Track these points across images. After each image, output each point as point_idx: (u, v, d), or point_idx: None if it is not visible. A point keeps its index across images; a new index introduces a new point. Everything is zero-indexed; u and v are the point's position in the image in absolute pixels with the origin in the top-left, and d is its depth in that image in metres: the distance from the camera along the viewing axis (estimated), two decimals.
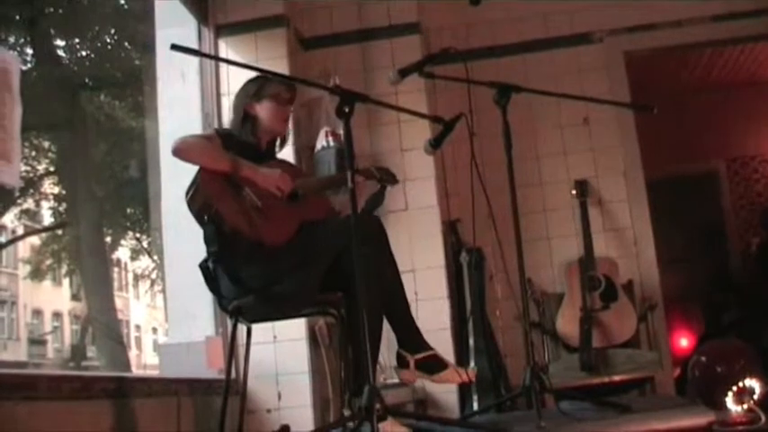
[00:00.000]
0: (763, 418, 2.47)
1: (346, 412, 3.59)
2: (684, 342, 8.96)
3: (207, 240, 3.61)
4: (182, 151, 3.64)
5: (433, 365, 3.69)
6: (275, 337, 5.08)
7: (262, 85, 3.94)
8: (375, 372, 3.56)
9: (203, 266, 3.67)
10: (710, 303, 9.51)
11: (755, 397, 2.60)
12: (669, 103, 7.31)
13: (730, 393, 2.63)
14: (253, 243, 3.54)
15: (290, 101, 4.01)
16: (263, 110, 3.91)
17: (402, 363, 3.71)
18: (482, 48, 6.32)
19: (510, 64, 6.32)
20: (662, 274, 6.28)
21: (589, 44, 6.53)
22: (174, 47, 3.12)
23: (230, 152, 3.70)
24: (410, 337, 3.73)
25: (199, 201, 3.59)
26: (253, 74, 3.99)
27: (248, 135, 3.89)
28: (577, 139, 6.38)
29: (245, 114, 3.91)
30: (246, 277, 3.59)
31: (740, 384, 2.63)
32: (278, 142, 4.06)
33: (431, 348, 3.71)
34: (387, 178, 4.08)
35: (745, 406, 2.59)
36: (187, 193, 3.62)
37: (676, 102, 8.81)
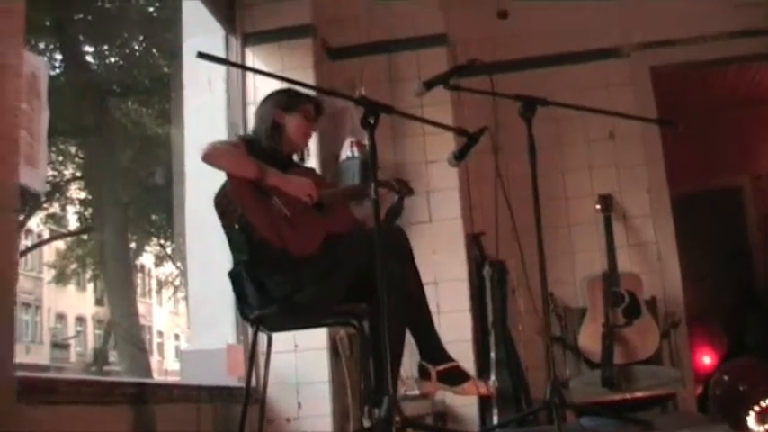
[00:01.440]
0: None
1: (365, 423, 3.59)
2: (707, 360, 8.89)
3: (236, 248, 3.63)
4: (211, 157, 3.64)
5: (455, 377, 3.69)
6: (296, 346, 5.09)
7: (293, 98, 3.97)
8: (396, 383, 3.56)
9: (233, 274, 3.68)
10: (734, 321, 9.45)
11: None
12: (695, 119, 7.27)
13: (752, 413, 2.61)
14: (280, 252, 3.54)
15: (317, 119, 4.05)
16: (291, 122, 3.93)
17: (424, 374, 3.71)
18: (509, 61, 6.30)
19: (536, 77, 6.30)
20: (685, 291, 6.24)
21: (616, 59, 6.52)
22: (201, 55, 3.13)
23: (255, 158, 3.71)
24: (433, 349, 3.73)
25: (229, 208, 3.60)
26: (278, 84, 4.01)
27: (275, 143, 3.90)
28: (602, 153, 6.36)
29: (273, 123, 3.92)
30: (271, 286, 3.59)
31: (762, 404, 2.61)
32: (296, 156, 4.07)
33: (453, 360, 3.71)
34: (404, 190, 4.09)
35: (767, 426, 2.57)
36: (216, 198, 3.64)
37: (702, 117, 8.75)
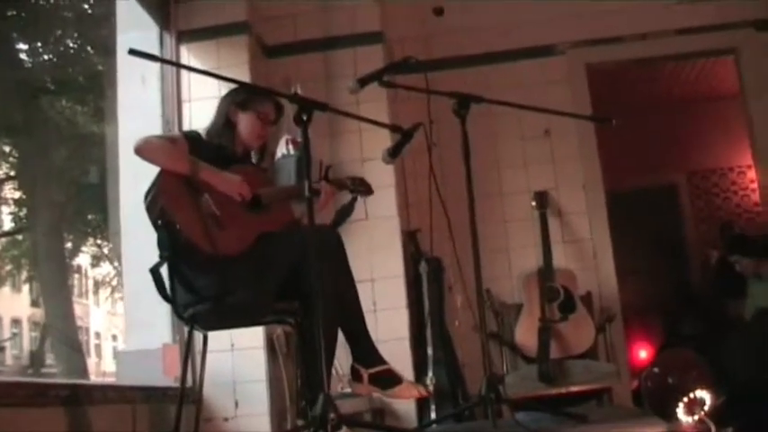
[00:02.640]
0: (713, 429, 2.49)
1: (301, 421, 3.58)
2: (643, 354, 9.01)
3: (160, 245, 3.58)
4: (143, 150, 3.61)
5: (387, 380, 3.68)
6: (232, 345, 5.07)
7: (252, 97, 3.95)
8: (329, 381, 3.56)
9: (154, 271, 3.61)
10: (669, 315, 9.58)
11: (706, 408, 2.62)
12: (630, 117, 7.31)
13: (681, 404, 2.64)
14: (206, 252, 3.50)
15: (274, 122, 4.03)
16: (245, 120, 3.93)
17: (356, 376, 3.70)
18: (445, 58, 6.34)
19: (472, 75, 6.33)
20: (621, 286, 6.31)
21: (552, 56, 6.57)
22: (132, 51, 3.10)
23: (198, 155, 3.68)
24: (364, 351, 3.72)
25: (156, 206, 3.55)
26: (213, 81, 3.99)
27: (224, 139, 3.88)
28: (538, 150, 6.41)
29: (226, 119, 3.91)
30: (200, 286, 3.57)
31: (691, 395, 2.65)
32: (253, 154, 4.05)
33: (385, 363, 3.70)
34: (361, 189, 4.07)
35: (696, 417, 2.60)
36: (146, 197, 3.60)
37: (638, 115, 8.86)
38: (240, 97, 3.95)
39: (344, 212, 4.16)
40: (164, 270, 3.63)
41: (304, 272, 3.34)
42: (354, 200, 4.10)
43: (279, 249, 3.62)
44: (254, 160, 4.07)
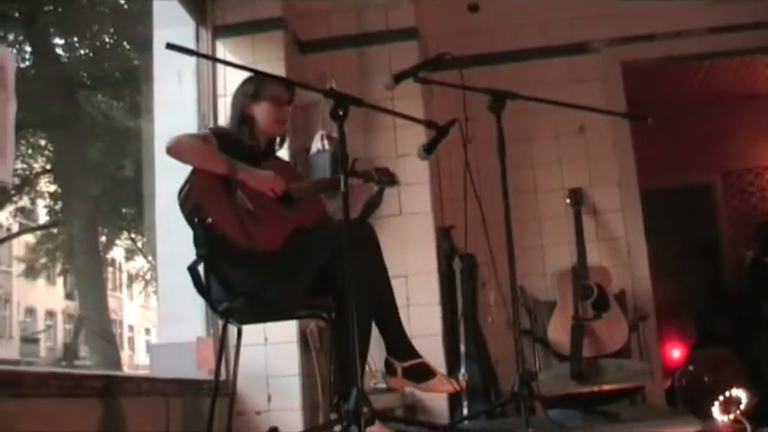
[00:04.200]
0: (749, 429, 2.48)
1: (334, 416, 3.58)
2: (676, 353, 8.97)
3: (196, 242, 3.58)
4: (175, 150, 3.59)
5: (421, 374, 3.68)
6: (266, 339, 5.09)
7: (259, 85, 3.90)
8: (363, 376, 3.56)
9: (192, 269, 3.64)
10: (703, 315, 9.52)
11: (742, 407, 2.60)
12: (666, 115, 7.28)
13: (717, 403, 2.63)
14: (243, 247, 3.50)
15: (289, 102, 3.98)
16: (261, 111, 3.89)
17: (390, 370, 3.70)
18: (480, 55, 6.33)
19: (507, 72, 6.33)
20: (655, 285, 6.29)
21: (587, 53, 6.55)
22: (169, 45, 3.11)
23: (227, 153, 3.67)
24: (399, 345, 3.71)
25: (190, 203, 3.55)
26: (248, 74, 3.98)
27: (246, 136, 3.87)
28: (573, 147, 6.39)
29: (242, 115, 3.89)
30: (236, 281, 3.57)
31: (727, 394, 2.63)
32: (277, 141, 4.05)
33: (419, 356, 3.69)
34: (385, 180, 4.05)
35: (732, 416, 2.59)
36: (180, 194, 3.60)
37: (673, 113, 8.80)
38: (250, 90, 3.90)
39: (372, 204, 4.14)
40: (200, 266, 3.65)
41: (339, 266, 3.34)
42: (382, 191, 4.07)
43: (313, 244, 3.62)
44: (277, 146, 4.06)
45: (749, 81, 9.29)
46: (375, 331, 3.71)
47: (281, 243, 3.59)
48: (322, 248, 3.59)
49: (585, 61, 6.53)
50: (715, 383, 2.71)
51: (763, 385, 2.80)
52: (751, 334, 7.88)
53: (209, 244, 3.51)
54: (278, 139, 4.04)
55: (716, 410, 2.64)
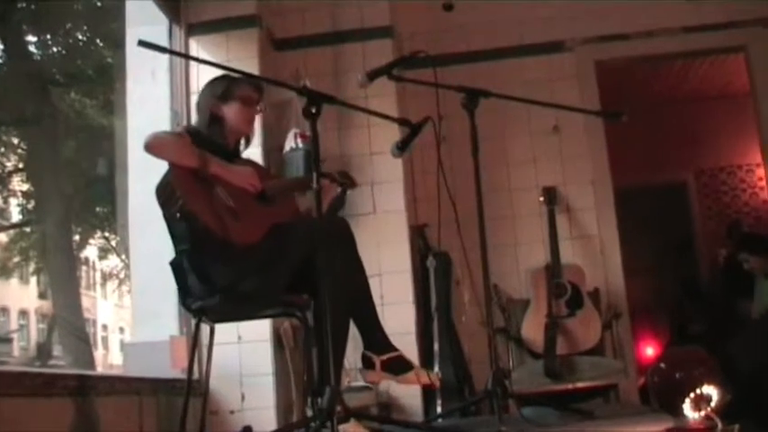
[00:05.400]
0: (720, 426, 2.49)
1: (308, 414, 3.58)
2: (650, 351, 9.02)
3: (178, 238, 3.59)
4: (153, 147, 3.58)
5: (399, 366, 3.70)
6: (240, 337, 5.07)
7: (229, 85, 3.89)
8: (339, 374, 3.56)
9: (175, 264, 3.65)
10: (676, 313, 9.58)
11: (713, 404, 2.61)
12: (639, 114, 7.31)
13: (688, 400, 2.64)
14: (223, 242, 3.50)
15: (258, 101, 3.98)
16: (230, 111, 3.87)
17: (368, 364, 3.70)
18: (454, 53, 6.35)
19: (481, 70, 6.33)
20: (628, 283, 6.32)
21: (561, 53, 6.57)
22: (142, 43, 3.10)
23: (200, 150, 3.67)
24: (376, 339, 3.72)
25: (171, 198, 3.55)
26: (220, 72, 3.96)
27: (216, 136, 3.86)
28: (547, 146, 6.41)
29: (211, 116, 3.88)
30: (214, 275, 3.57)
31: (698, 391, 2.65)
32: (242, 142, 4.04)
33: (397, 350, 3.71)
34: (346, 182, 4.07)
35: (703, 413, 2.60)
36: (158, 190, 3.59)
37: (647, 112, 8.86)
38: (219, 90, 3.89)
39: (336, 205, 4.17)
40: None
41: (316, 261, 3.34)
42: (344, 192, 4.10)
43: (290, 239, 3.63)
44: (242, 147, 4.05)
45: (722, 81, 9.36)
46: (351, 328, 3.72)
47: (261, 237, 3.60)
48: (302, 243, 3.60)
49: (560, 60, 6.55)
50: (687, 380, 2.73)
51: (735, 383, 2.81)
52: (725, 331, 7.93)
53: (191, 238, 3.51)
54: (243, 140, 4.03)
55: (687, 407, 2.65)
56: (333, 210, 4.05)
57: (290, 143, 5.45)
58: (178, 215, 3.51)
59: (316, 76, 5.62)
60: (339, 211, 4.22)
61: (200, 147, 3.68)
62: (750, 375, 4.40)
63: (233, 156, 3.90)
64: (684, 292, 9.76)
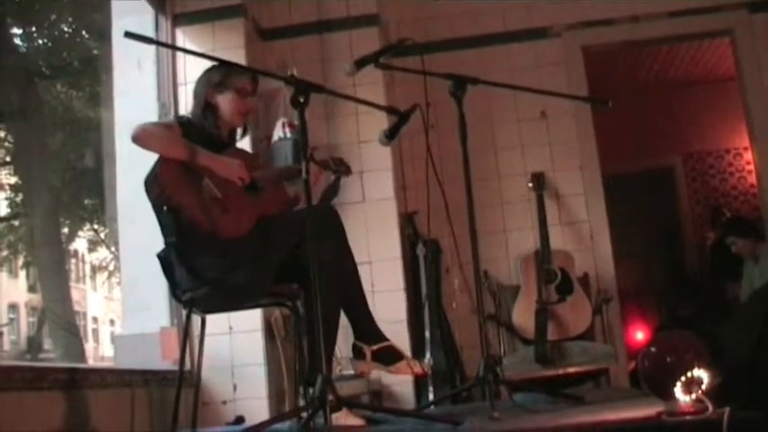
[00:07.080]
0: (711, 408, 2.50)
1: (300, 403, 3.58)
2: (640, 335, 9.04)
3: (165, 230, 3.58)
4: (141, 138, 3.57)
5: (390, 356, 3.68)
6: (231, 328, 5.08)
7: (226, 75, 3.89)
8: (331, 363, 3.56)
9: (162, 256, 3.65)
10: (665, 297, 9.61)
11: (704, 387, 2.62)
12: (627, 99, 7.37)
13: (679, 383, 2.65)
14: (210, 235, 3.50)
15: (253, 93, 3.98)
16: (225, 101, 3.87)
17: (358, 354, 3.69)
18: (441, 41, 6.35)
19: (468, 57, 6.34)
20: (618, 268, 6.33)
21: (547, 38, 6.58)
22: (128, 34, 3.09)
23: (190, 140, 3.66)
24: (367, 329, 3.71)
25: (157, 190, 3.55)
26: (209, 64, 3.95)
27: (209, 124, 3.85)
28: (535, 132, 6.42)
29: (205, 103, 3.87)
30: (202, 268, 3.57)
31: (689, 374, 2.65)
32: (239, 132, 4.03)
33: (387, 339, 3.70)
34: (341, 169, 4.07)
35: (694, 396, 2.61)
36: (146, 182, 3.59)
37: (634, 97, 8.88)
38: (215, 79, 3.89)
39: (331, 192, 4.16)
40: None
41: (305, 250, 3.34)
42: (338, 180, 4.10)
43: (279, 230, 3.63)
44: (238, 137, 4.05)
45: (709, 65, 9.38)
46: (342, 318, 3.71)
47: (249, 229, 3.60)
48: (290, 233, 3.60)
49: (546, 46, 6.55)
50: (677, 364, 2.73)
51: (724, 365, 2.82)
52: (713, 315, 7.97)
53: (178, 230, 3.50)
54: (239, 130, 4.03)
55: (678, 391, 2.65)
56: (327, 198, 4.05)
57: (278, 132, 5.44)
58: (165, 208, 3.51)
59: (303, 65, 5.61)
60: (333, 198, 4.22)
61: (192, 136, 3.68)
62: (738, 358, 4.41)
63: (226, 146, 3.89)
64: (673, 277, 9.80)
